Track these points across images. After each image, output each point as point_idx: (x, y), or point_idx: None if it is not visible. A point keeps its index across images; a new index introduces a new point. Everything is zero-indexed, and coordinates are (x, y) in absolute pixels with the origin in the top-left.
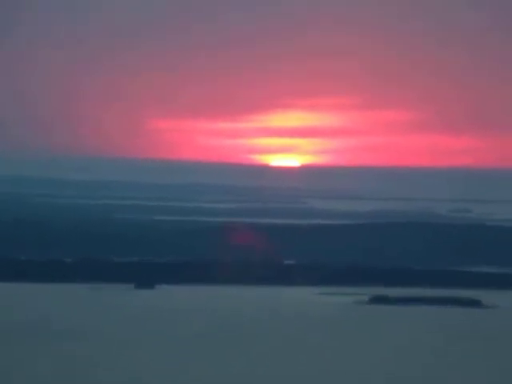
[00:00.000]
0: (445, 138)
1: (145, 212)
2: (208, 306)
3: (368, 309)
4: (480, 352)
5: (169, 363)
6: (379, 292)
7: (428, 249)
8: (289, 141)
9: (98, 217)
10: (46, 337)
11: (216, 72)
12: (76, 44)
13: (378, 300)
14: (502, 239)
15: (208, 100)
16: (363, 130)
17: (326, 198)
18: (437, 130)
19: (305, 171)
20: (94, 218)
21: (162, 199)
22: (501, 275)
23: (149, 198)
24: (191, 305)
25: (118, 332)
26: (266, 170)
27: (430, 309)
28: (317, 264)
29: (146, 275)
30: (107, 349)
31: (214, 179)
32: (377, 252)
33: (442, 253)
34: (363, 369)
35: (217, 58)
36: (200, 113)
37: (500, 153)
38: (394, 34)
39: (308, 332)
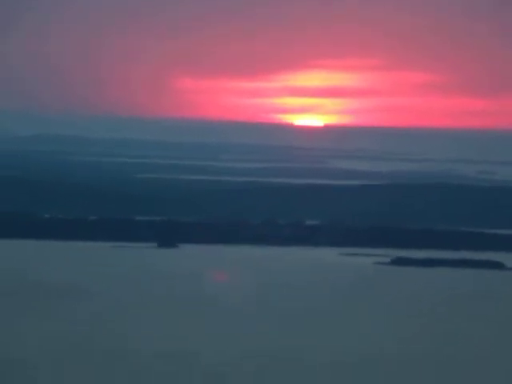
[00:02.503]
0: (468, 100)
1: (169, 171)
2: (230, 266)
3: (389, 270)
4: (501, 314)
5: (185, 323)
6: (401, 253)
7: (452, 210)
8: (312, 100)
9: (123, 175)
10: (65, 294)
11: (241, 32)
12: (103, 8)
13: (399, 261)
14: None
15: (233, 60)
16: (386, 91)
17: (349, 158)
18: (460, 91)
19: (328, 131)
20: (118, 176)
21: (186, 158)
22: None
23: (173, 157)
24: (213, 265)
25: (134, 291)
26: (289, 129)
27: (453, 271)
28: (339, 224)
29: (169, 234)
30: (123, 307)
31: (237, 138)
32: (400, 213)
33: (466, 214)
34: (378, 330)
35: (242, 18)
36: (224, 72)
37: None
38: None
39: (326, 293)
